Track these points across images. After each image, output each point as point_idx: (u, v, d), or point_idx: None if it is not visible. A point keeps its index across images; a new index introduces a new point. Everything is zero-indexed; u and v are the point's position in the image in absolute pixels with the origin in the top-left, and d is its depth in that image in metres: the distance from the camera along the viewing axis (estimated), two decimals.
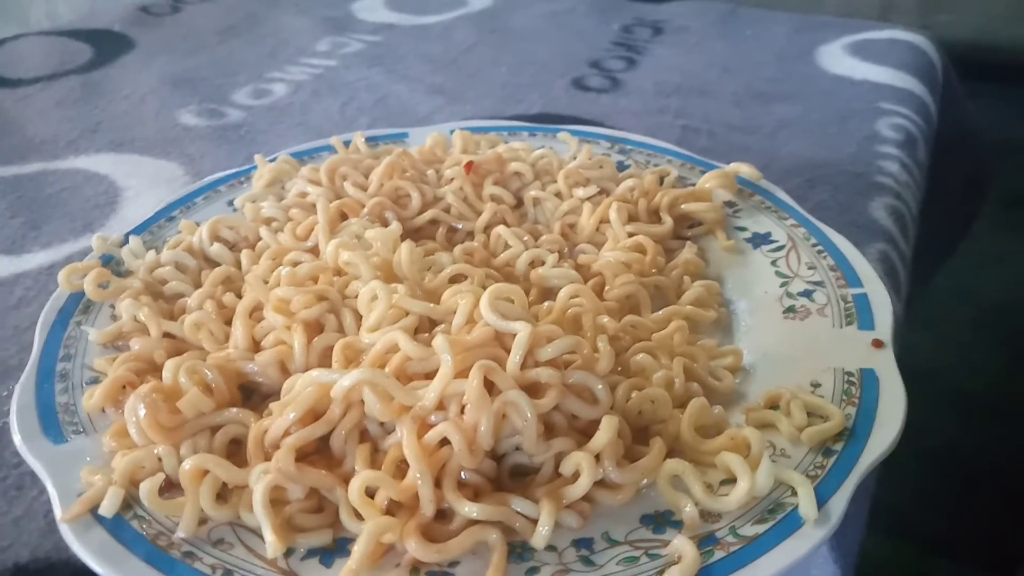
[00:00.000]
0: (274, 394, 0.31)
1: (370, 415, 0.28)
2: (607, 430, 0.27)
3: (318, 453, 0.28)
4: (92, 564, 0.25)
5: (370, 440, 0.28)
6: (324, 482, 0.27)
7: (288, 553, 0.26)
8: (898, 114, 0.55)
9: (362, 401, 0.28)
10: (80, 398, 0.31)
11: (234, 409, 0.30)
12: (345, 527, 0.26)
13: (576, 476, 0.27)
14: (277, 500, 0.27)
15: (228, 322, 0.34)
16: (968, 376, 0.79)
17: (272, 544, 0.25)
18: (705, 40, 0.69)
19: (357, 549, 0.25)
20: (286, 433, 0.28)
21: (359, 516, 0.26)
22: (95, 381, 0.32)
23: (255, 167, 0.46)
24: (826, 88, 0.59)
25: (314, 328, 0.31)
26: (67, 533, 0.26)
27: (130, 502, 0.27)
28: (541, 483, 0.28)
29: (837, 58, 0.63)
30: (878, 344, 0.33)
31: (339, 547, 0.26)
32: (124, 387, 0.31)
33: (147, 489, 0.27)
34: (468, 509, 0.26)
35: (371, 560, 0.25)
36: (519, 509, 0.26)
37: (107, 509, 0.26)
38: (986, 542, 0.72)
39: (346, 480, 0.27)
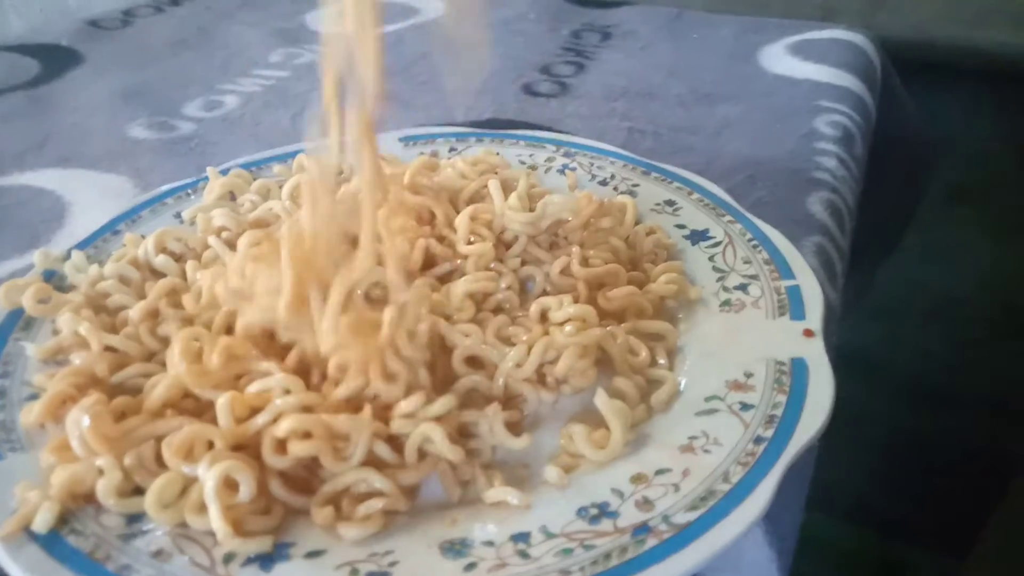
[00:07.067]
0: None
1: None
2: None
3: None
4: None
5: None
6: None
7: (227, 559, 0.26)
8: (836, 111, 0.56)
9: None
10: (18, 415, 0.31)
11: (180, 419, 0.30)
12: None
13: None
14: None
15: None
16: (921, 365, 0.81)
17: (223, 531, 0.26)
18: (652, 44, 0.70)
19: None
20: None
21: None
22: (34, 397, 0.32)
23: (202, 179, 0.46)
24: (768, 88, 0.61)
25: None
26: None
27: (67, 517, 0.27)
28: None
29: (779, 58, 0.64)
30: (809, 333, 0.34)
31: (278, 552, 0.26)
32: (65, 402, 0.31)
33: (105, 488, 0.27)
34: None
35: None
36: None
37: (41, 525, 0.26)
38: (941, 526, 0.74)
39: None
